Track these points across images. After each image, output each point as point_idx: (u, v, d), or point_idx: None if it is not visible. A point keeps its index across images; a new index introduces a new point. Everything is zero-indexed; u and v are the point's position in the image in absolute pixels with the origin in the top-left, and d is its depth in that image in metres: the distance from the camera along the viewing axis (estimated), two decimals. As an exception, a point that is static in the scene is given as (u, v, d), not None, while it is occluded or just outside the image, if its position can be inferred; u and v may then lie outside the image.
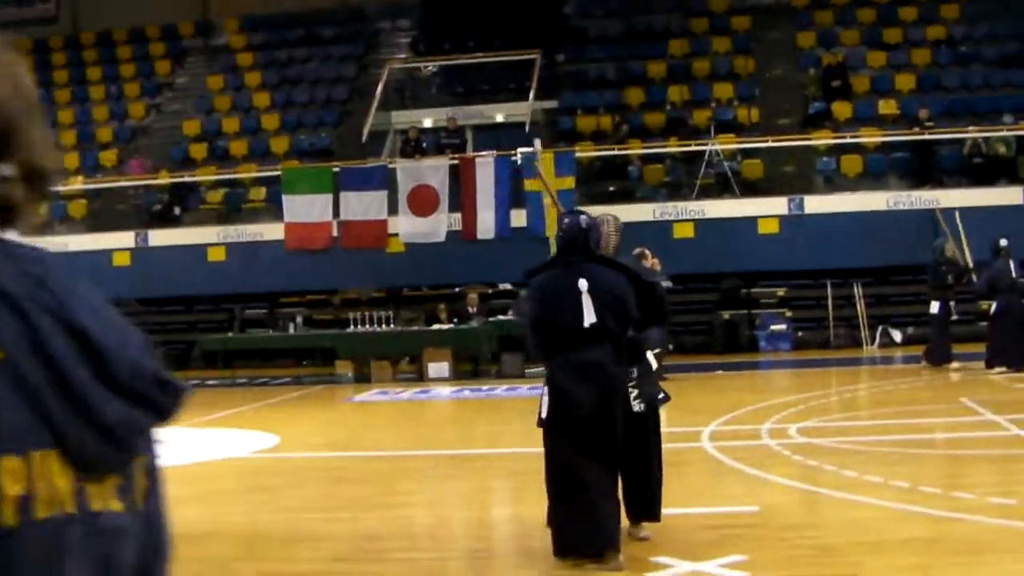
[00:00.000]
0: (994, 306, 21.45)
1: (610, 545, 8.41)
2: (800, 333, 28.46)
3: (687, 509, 10.27)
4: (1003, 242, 21.26)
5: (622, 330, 8.73)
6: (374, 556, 9.29)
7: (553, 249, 10.87)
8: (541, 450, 14.58)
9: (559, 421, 8.65)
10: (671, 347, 24.00)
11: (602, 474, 8.51)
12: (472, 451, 15.10)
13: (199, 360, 26.85)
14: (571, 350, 8.61)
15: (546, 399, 8.77)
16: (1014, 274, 21.06)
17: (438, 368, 24.78)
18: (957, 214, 24.08)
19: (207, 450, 15.88)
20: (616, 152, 30.28)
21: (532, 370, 25.27)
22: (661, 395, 9.94)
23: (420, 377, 25.00)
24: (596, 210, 26.90)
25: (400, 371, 25.89)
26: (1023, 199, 26.83)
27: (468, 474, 13.33)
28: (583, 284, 8.57)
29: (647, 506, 9.28)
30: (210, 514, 11.26)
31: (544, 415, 8.80)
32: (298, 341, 27.05)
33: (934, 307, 22.44)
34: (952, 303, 22.47)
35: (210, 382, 26.42)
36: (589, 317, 8.54)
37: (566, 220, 8.94)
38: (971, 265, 22.86)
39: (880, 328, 28.08)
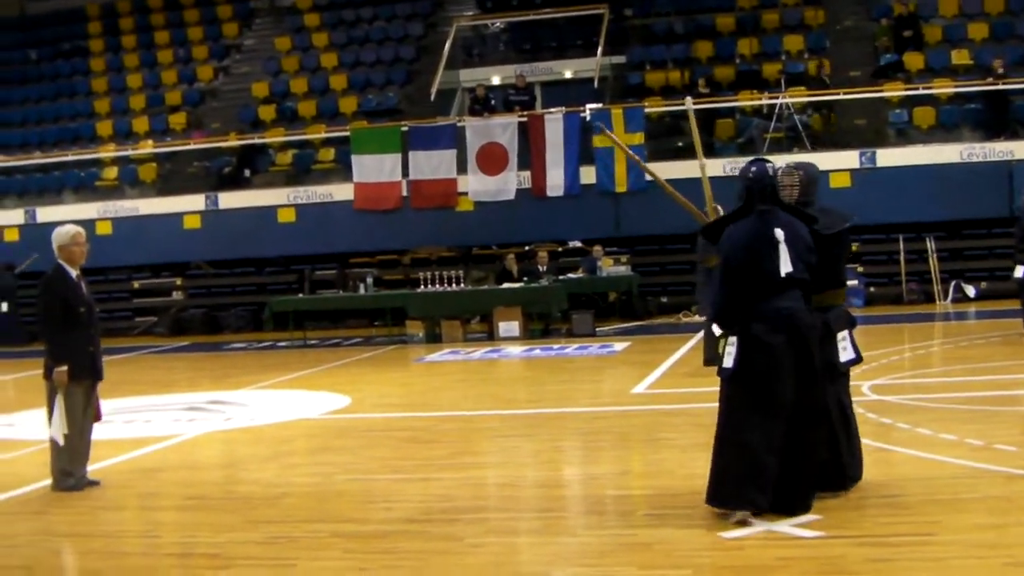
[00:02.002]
0: None
1: (750, 506, 8.44)
2: (872, 288, 28.19)
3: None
4: None
5: (812, 279, 8.72)
6: (447, 517, 9.31)
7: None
8: (613, 409, 14.66)
9: (748, 370, 8.54)
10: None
11: (778, 430, 8.43)
12: (543, 410, 15.07)
13: (270, 322, 26.90)
14: (767, 299, 8.56)
15: (733, 348, 8.64)
16: None
17: (508, 327, 24.75)
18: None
19: (280, 412, 15.99)
20: (685, 107, 30.03)
21: (603, 329, 25.26)
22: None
23: (490, 336, 24.99)
24: (664, 166, 26.89)
25: (470, 330, 25.89)
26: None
27: (539, 433, 13.32)
28: (779, 233, 8.57)
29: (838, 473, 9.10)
30: (284, 475, 11.35)
31: (731, 364, 8.63)
32: (368, 302, 27.06)
33: (1018, 271, 19.87)
34: None
35: (281, 344, 26.57)
36: (786, 266, 8.53)
37: (754, 168, 8.82)
38: None
39: (954, 283, 27.74)
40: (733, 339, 8.65)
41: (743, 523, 8.28)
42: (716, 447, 8.73)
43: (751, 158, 9.18)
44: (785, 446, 8.39)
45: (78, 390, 11.12)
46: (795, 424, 8.42)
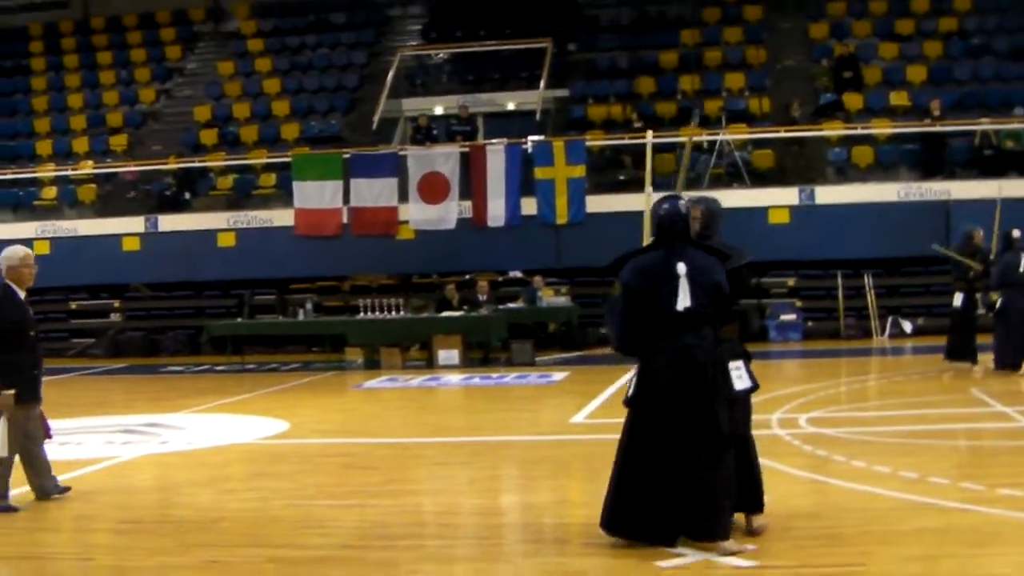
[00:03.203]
0: (999, 301, 20.12)
1: (623, 533, 8.62)
2: (810, 323, 28.43)
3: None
4: (1016, 233, 20.11)
5: (717, 314, 8.75)
6: (383, 543, 9.30)
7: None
8: (551, 438, 14.70)
9: (644, 401, 8.66)
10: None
11: (678, 461, 8.44)
12: (481, 439, 15.09)
13: (208, 346, 26.87)
14: (667, 334, 8.60)
15: (634, 379, 8.79)
16: (1023, 268, 19.70)
17: (448, 355, 24.77)
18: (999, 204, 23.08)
19: (216, 436, 15.92)
20: (627, 141, 30.22)
21: (543, 358, 25.32)
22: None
23: (430, 364, 25.00)
24: (604, 199, 26.98)
25: (410, 358, 25.89)
26: (1034, 191, 26.80)
27: (477, 462, 13.32)
28: (681, 267, 8.61)
29: (753, 496, 9.06)
30: (219, 500, 11.31)
31: (631, 393, 8.79)
32: (307, 328, 27.04)
33: (957, 299, 20.72)
34: (978, 295, 20.74)
35: (219, 368, 26.47)
36: (684, 301, 8.57)
37: (665, 205, 8.87)
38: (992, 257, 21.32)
39: (890, 319, 28.04)
40: (635, 369, 8.83)
41: (681, 554, 8.29)
42: (613, 474, 8.86)
43: (665, 194, 9.28)
44: (686, 476, 8.40)
45: (21, 412, 11.08)
46: (695, 454, 8.41)
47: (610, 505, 8.77)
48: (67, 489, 11.49)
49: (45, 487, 11.39)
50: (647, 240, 10.37)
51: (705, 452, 8.43)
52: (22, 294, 11.28)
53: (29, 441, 11.27)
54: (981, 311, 20.67)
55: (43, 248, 29.68)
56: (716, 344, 8.71)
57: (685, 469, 8.40)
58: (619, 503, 8.69)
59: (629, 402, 8.82)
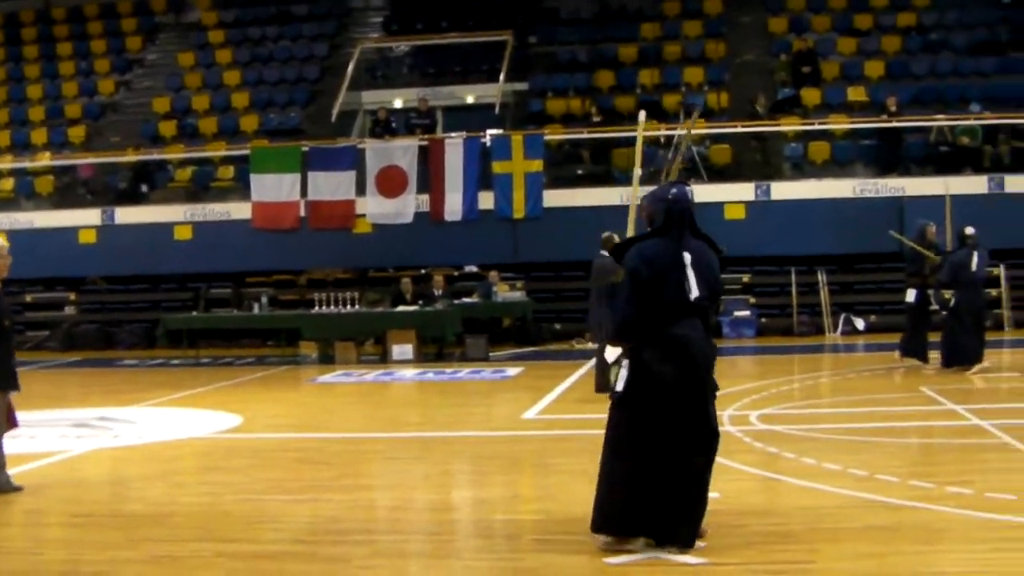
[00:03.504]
0: (951, 300, 20.07)
1: (614, 531, 8.49)
2: (764, 320, 28.54)
3: (647, 495, 10.30)
4: (968, 230, 20.11)
5: (712, 304, 8.64)
6: (335, 538, 9.30)
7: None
8: (503, 434, 14.70)
9: (637, 396, 8.38)
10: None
11: (663, 459, 8.26)
12: (434, 434, 15.10)
13: (163, 339, 26.79)
14: (664, 326, 8.35)
15: (624, 372, 8.50)
16: (974, 266, 19.73)
17: (402, 350, 24.78)
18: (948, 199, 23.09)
19: (169, 430, 15.88)
20: (585, 136, 30.27)
21: (497, 353, 25.33)
22: None
23: (384, 359, 25.01)
24: (562, 194, 27.03)
25: (364, 353, 25.89)
26: (987, 188, 26.99)
27: (430, 457, 13.34)
28: (687, 257, 8.40)
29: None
30: (171, 494, 11.27)
31: (620, 388, 8.50)
32: (263, 321, 26.98)
33: (910, 295, 20.93)
34: (931, 291, 20.74)
35: (174, 361, 26.43)
36: (693, 291, 8.35)
37: (674, 190, 8.63)
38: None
39: (843, 316, 28.18)
40: (625, 362, 8.52)
41: (631, 551, 8.28)
42: (602, 474, 8.65)
43: (665, 184, 9.01)
44: (674, 475, 8.26)
45: (1, 401, 11.20)
46: (685, 453, 8.28)
47: (603, 506, 8.54)
48: (19, 488, 11.42)
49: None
50: (631, 231, 10.46)
51: (701, 452, 8.36)
52: None
53: None
54: (934, 307, 20.69)
55: (-2, 239, 29.53)
56: (709, 337, 8.57)
57: (679, 468, 8.27)
58: (612, 503, 8.46)
59: (619, 397, 8.54)
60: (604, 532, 8.56)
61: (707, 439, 8.39)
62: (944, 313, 20.31)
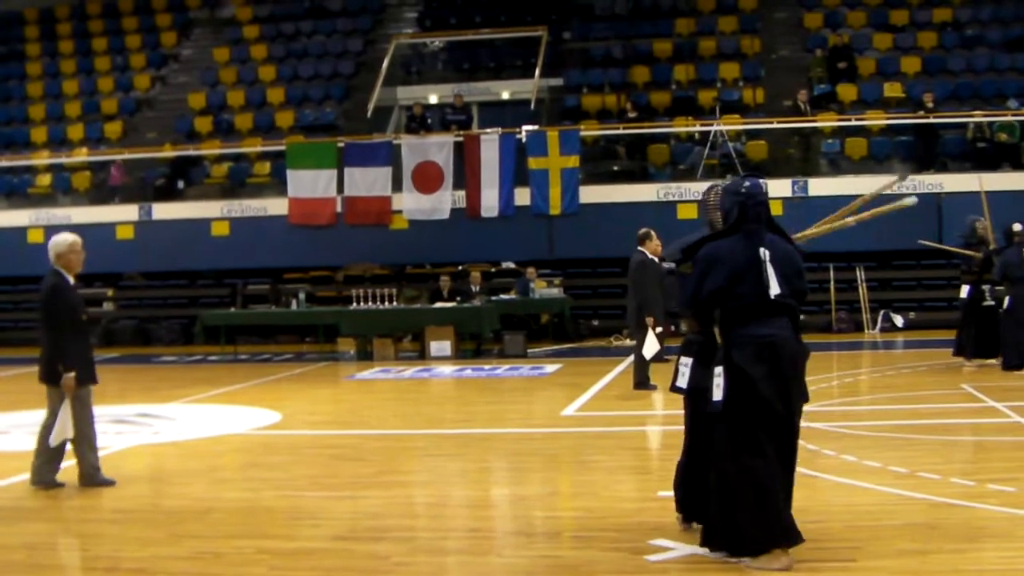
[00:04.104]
0: (1007, 300, 19.65)
1: (784, 541, 7.91)
2: (802, 317, 28.42)
3: (686, 492, 10.29)
4: (1016, 227, 19.74)
5: (798, 303, 8.26)
6: (374, 534, 9.30)
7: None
8: (542, 430, 14.68)
9: (738, 405, 7.94)
10: (673, 328, 23.97)
11: (776, 463, 7.93)
12: (472, 431, 15.08)
13: (201, 335, 26.85)
14: (749, 324, 8.04)
15: (720, 380, 8.04)
16: None
17: (440, 347, 24.80)
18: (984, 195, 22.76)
19: (209, 426, 15.93)
20: (621, 131, 30.23)
21: (535, 350, 25.32)
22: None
23: (422, 355, 25.04)
24: (598, 190, 27.01)
25: (402, 349, 25.93)
26: (1026, 184, 26.84)
27: (468, 453, 13.35)
28: (765, 253, 8.07)
29: None
30: (211, 490, 11.31)
31: (721, 398, 8.03)
32: (300, 318, 27.05)
33: (964, 291, 20.67)
34: (985, 288, 20.27)
35: (212, 358, 26.50)
36: (774, 288, 8.03)
37: (747, 184, 8.25)
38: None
39: (882, 313, 28.06)
40: (719, 369, 8.07)
41: (787, 567, 7.83)
42: (720, 489, 8.05)
43: (736, 178, 8.62)
44: (787, 477, 8.07)
45: (82, 395, 11.45)
46: (787, 458, 8.08)
47: (721, 520, 8.04)
48: (62, 485, 11.56)
49: (45, 474, 11.56)
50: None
51: (791, 457, 8.14)
52: (71, 279, 11.59)
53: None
54: (990, 303, 20.25)
55: (36, 236, 29.75)
56: (798, 337, 8.23)
57: (771, 472, 7.94)
58: (736, 521, 7.94)
59: (718, 407, 8.06)
60: (746, 554, 7.99)
61: (794, 447, 8.17)
62: (1001, 312, 19.91)
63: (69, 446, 11.59)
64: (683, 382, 8.79)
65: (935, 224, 24.71)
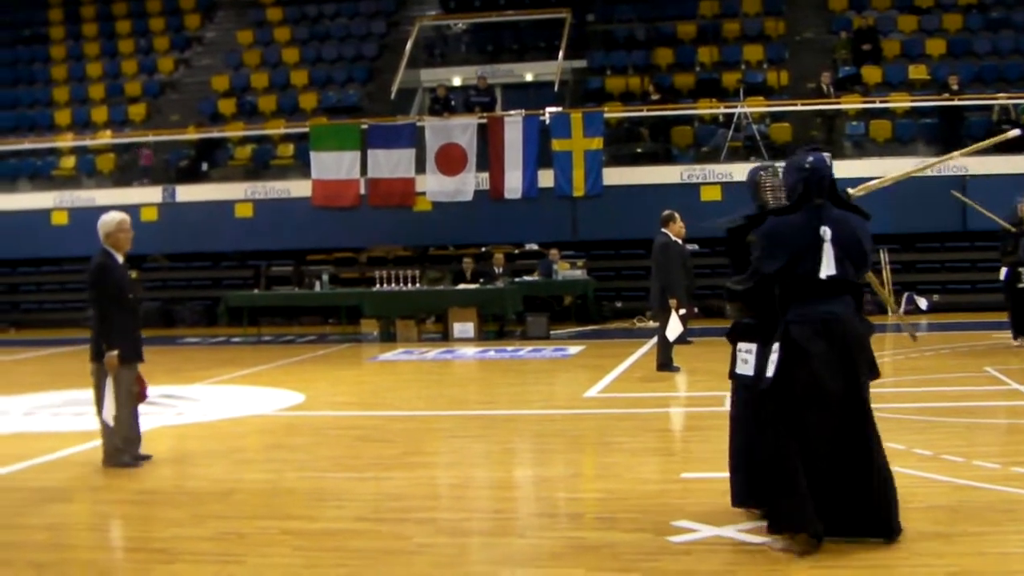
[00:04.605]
0: None
1: (810, 529, 7.75)
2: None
3: (710, 474, 10.27)
4: None
5: (860, 279, 8.12)
6: (397, 516, 9.33)
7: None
8: (565, 412, 14.69)
9: (790, 382, 7.80)
10: (696, 310, 23.97)
11: (822, 445, 7.76)
12: (496, 412, 15.11)
13: (224, 317, 26.92)
14: (806, 301, 7.87)
15: (774, 356, 7.89)
16: None
17: (463, 328, 24.81)
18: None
19: (232, 407, 15.98)
20: (645, 113, 30.18)
21: (558, 332, 25.32)
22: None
23: (445, 337, 25.07)
24: (621, 172, 26.97)
25: (425, 331, 25.94)
26: (1052, 167, 26.71)
27: (491, 435, 13.36)
28: (826, 232, 7.85)
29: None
30: (234, 471, 11.35)
31: (770, 374, 7.90)
32: (324, 299, 27.09)
33: (1002, 273, 20.70)
34: (1022, 270, 20.10)
35: (235, 339, 26.57)
36: (827, 268, 7.83)
37: (811, 158, 8.07)
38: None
39: (906, 295, 27.95)
40: (775, 346, 7.92)
41: (805, 553, 7.73)
42: (772, 474, 7.95)
43: (800, 153, 8.36)
44: (841, 463, 7.83)
45: (127, 372, 11.60)
46: (846, 438, 7.84)
47: (781, 504, 7.87)
48: (148, 458, 11.87)
49: (116, 456, 11.67)
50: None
51: (863, 442, 7.87)
52: (120, 258, 11.88)
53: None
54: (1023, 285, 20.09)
55: (61, 218, 29.86)
56: (860, 315, 8.11)
57: (827, 455, 7.79)
58: (789, 498, 7.77)
59: (768, 384, 7.93)
60: (772, 531, 8.00)
61: (867, 429, 7.91)
62: None
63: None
64: (746, 369, 8.54)
65: (959, 206, 24.61)
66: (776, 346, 7.91)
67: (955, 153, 9.32)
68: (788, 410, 7.81)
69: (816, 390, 7.75)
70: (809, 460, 7.74)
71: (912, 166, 27.07)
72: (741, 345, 8.63)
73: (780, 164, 8.76)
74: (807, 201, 7.98)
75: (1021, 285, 20.05)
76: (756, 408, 8.36)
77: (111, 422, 11.47)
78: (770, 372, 7.90)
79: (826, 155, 8.17)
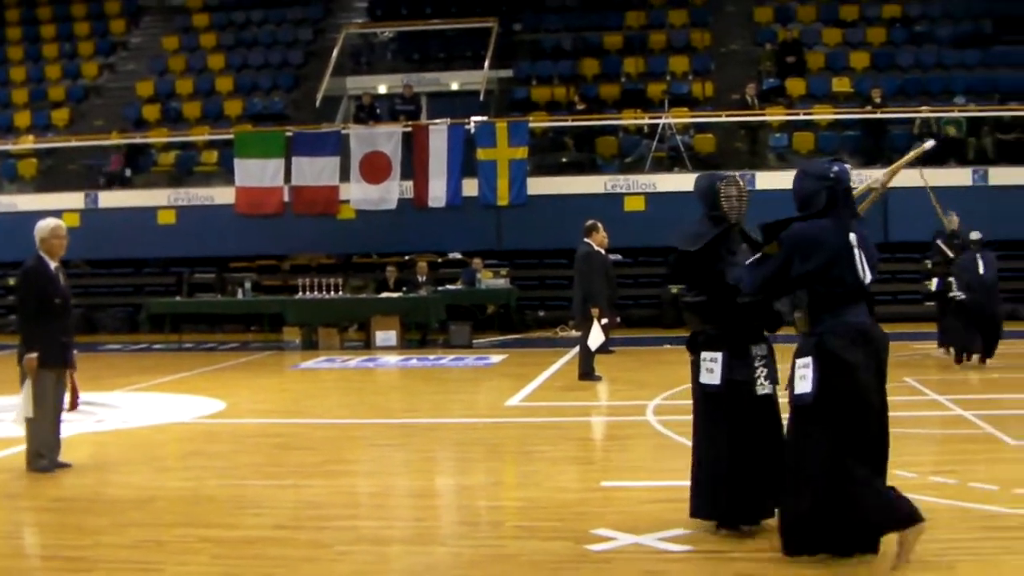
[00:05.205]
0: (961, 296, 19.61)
1: (873, 540, 7.74)
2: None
3: (630, 482, 10.34)
4: (974, 235, 19.87)
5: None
6: (317, 524, 9.30)
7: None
8: (486, 420, 14.69)
9: (831, 397, 7.54)
10: (619, 320, 24.06)
11: (873, 460, 7.66)
12: (417, 420, 15.10)
13: (146, 324, 26.74)
14: (835, 312, 7.68)
15: (807, 371, 7.63)
16: (981, 269, 19.26)
17: (385, 336, 24.80)
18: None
19: (153, 415, 15.88)
20: (570, 123, 30.25)
21: (480, 341, 25.36)
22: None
23: (367, 345, 25.05)
24: (546, 181, 26.99)
25: (347, 339, 25.91)
26: (971, 180, 27.01)
27: (412, 443, 13.36)
28: (854, 238, 7.76)
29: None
30: (155, 479, 11.27)
31: (810, 389, 7.59)
32: (246, 307, 26.99)
33: (934, 283, 20.86)
34: (952, 279, 20.13)
35: (157, 346, 26.42)
36: (868, 274, 7.75)
37: (835, 168, 7.89)
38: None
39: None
40: (807, 360, 7.65)
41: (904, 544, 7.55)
42: (807, 492, 7.63)
43: (821, 161, 8.47)
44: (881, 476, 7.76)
45: (48, 377, 11.57)
46: (881, 447, 7.80)
47: (805, 524, 7.66)
48: (67, 465, 11.81)
49: (36, 461, 11.66)
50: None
51: (884, 451, 7.84)
52: (53, 265, 11.77)
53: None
54: (956, 294, 19.86)
55: (-17, 222, 29.55)
56: (876, 324, 7.89)
57: (868, 469, 7.64)
58: (819, 518, 7.59)
59: (808, 399, 7.61)
60: (805, 553, 7.77)
61: (886, 430, 7.86)
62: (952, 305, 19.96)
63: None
64: (712, 379, 8.46)
65: (881, 218, 24.83)
66: (808, 360, 7.64)
67: (892, 169, 9.04)
68: (835, 425, 7.55)
69: (860, 401, 7.60)
70: (869, 462, 7.62)
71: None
72: (705, 355, 8.53)
73: (736, 173, 8.75)
74: (832, 209, 7.84)
75: (951, 295, 20.12)
76: (719, 417, 8.40)
77: (22, 425, 11.49)
78: (808, 388, 7.60)
79: (847, 165, 8.10)
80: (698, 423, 8.73)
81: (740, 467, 8.29)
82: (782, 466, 7.90)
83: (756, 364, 8.47)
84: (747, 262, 8.15)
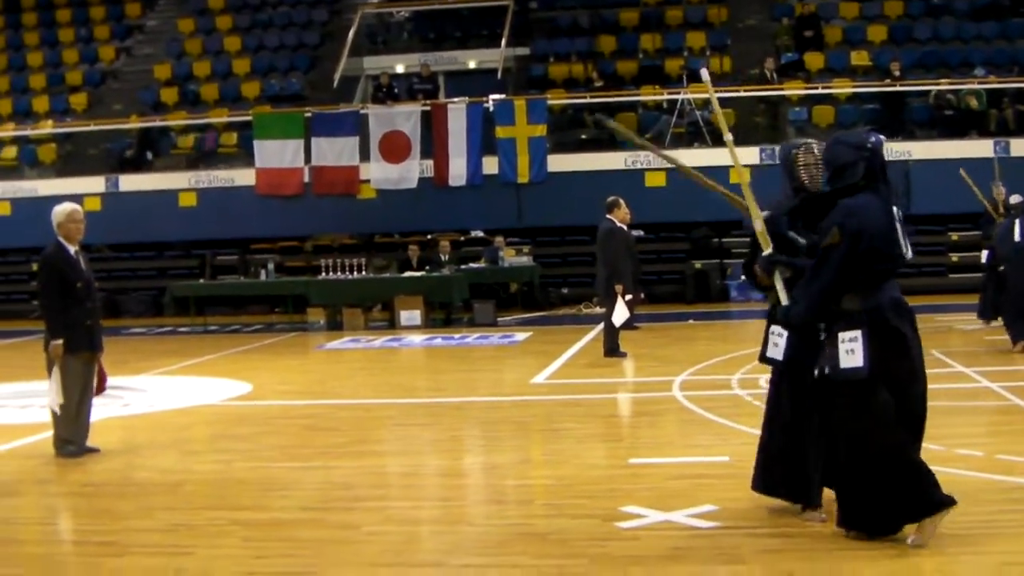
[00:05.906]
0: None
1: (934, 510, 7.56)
2: (765, 285, 28.43)
3: (658, 459, 10.34)
4: (1015, 198, 19.68)
5: None
6: (345, 504, 9.33)
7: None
8: (512, 399, 14.70)
9: (886, 367, 7.44)
10: (643, 296, 24.05)
11: (914, 433, 7.63)
12: (443, 399, 15.11)
13: (170, 307, 26.81)
14: (880, 287, 7.54)
15: (856, 345, 7.47)
16: (1017, 235, 18.14)
17: (410, 316, 24.79)
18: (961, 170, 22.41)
19: (179, 398, 15.91)
20: (588, 100, 30.20)
21: (504, 319, 25.36)
22: None
23: (392, 325, 25.03)
24: (565, 158, 26.96)
25: (372, 319, 25.90)
26: (993, 152, 26.87)
27: (439, 422, 13.35)
28: (897, 212, 7.57)
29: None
30: (182, 462, 11.29)
31: (862, 363, 7.43)
32: (269, 288, 27.02)
33: (983, 255, 20.62)
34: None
35: (181, 329, 26.42)
36: (908, 249, 7.60)
37: (872, 139, 7.63)
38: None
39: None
40: (855, 334, 7.48)
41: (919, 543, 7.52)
42: (865, 473, 7.56)
43: (857, 131, 8.14)
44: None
45: (75, 362, 11.59)
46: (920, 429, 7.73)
47: (856, 503, 7.63)
48: (96, 450, 11.83)
49: (63, 447, 11.70)
50: (751, 202, 8.52)
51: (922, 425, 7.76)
52: (72, 249, 11.78)
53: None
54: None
55: (4, 208, 29.67)
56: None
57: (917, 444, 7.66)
58: (868, 497, 7.54)
59: (864, 373, 7.44)
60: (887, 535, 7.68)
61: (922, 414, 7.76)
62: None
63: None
64: (776, 353, 8.37)
65: (903, 191, 24.76)
66: (856, 334, 7.47)
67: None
68: (889, 397, 7.48)
69: (916, 373, 7.60)
70: (909, 441, 7.58)
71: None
72: (773, 328, 8.41)
73: (813, 141, 8.40)
74: (873, 181, 7.62)
75: (1001, 268, 19.76)
76: (801, 398, 8.19)
77: (58, 411, 11.48)
78: (860, 362, 7.43)
79: (883, 137, 7.82)
80: (808, 409, 8.22)
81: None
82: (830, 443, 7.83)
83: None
84: (799, 283, 7.89)
